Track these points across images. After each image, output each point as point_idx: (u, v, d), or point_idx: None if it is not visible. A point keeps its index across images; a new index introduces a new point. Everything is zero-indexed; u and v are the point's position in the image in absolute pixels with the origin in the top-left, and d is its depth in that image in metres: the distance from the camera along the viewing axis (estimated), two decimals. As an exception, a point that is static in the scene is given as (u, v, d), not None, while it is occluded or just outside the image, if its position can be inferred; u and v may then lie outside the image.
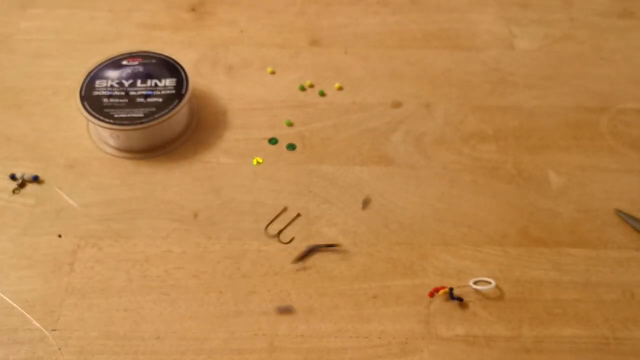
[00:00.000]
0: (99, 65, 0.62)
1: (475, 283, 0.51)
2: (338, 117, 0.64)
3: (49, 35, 0.72)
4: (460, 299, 0.49)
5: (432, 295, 0.50)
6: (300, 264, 0.52)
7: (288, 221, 0.55)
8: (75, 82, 0.61)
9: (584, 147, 0.61)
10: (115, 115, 0.58)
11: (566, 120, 0.64)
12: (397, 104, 0.65)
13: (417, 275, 0.52)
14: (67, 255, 0.52)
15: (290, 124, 0.63)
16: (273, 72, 0.68)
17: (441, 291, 0.50)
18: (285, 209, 0.56)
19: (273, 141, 0.61)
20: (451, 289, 0.49)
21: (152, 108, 0.58)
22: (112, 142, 0.60)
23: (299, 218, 0.55)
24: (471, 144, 0.61)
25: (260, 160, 0.60)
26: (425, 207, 0.56)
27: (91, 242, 0.53)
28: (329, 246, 0.53)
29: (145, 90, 0.60)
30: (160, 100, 0.59)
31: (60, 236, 0.54)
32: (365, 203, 0.56)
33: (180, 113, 0.59)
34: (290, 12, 0.75)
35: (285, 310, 0.49)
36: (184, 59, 0.65)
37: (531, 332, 0.48)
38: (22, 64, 0.68)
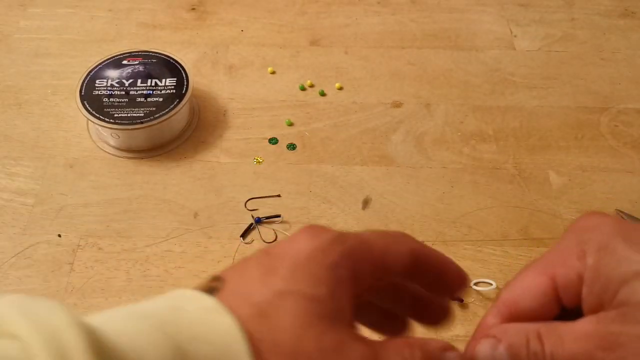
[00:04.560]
0: (99, 64, 0.62)
1: (475, 284, 0.51)
2: (338, 117, 0.64)
3: (49, 34, 0.72)
4: (460, 300, 0.49)
5: None
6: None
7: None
8: (75, 82, 0.61)
9: (584, 147, 0.61)
10: (116, 115, 0.58)
11: (567, 121, 0.63)
12: (397, 104, 0.65)
13: (417, 275, 0.51)
14: (67, 254, 0.52)
15: (290, 124, 0.63)
16: (273, 72, 0.68)
17: None
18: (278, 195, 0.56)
19: (273, 141, 0.61)
20: None
21: (152, 107, 0.58)
22: (112, 141, 0.60)
23: (299, 217, 0.55)
24: (471, 144, 0.61)
25: (261, 160, 0.60)
26: (426, 206, 0.56)
27: (91, 242, 0.53)
28: (274, 217, 0.55)
29: (146, 89, 0.60)
30: (161, 99, 0.59)
31: (60, 236, 0.53)
32: (366, 203, 0.56)
33: (180, 112, 0.59)
34: (291, 12, 0.75)
35: None
36: (184, 58, 0.65)
37: (531, 333, 0.48)
38: (22, 63, 0.68)
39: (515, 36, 0.72)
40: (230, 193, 0.57)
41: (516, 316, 0.27)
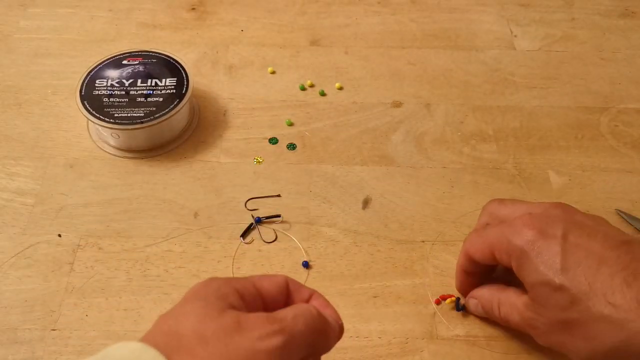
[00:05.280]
0: (99, 64, 0.62)
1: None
2: (338, 116, 0.64)
3: (49, 34, 0.72)
4: (461, 308, 0.49)
5: (438, 302, 0.49)
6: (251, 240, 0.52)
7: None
8: (75, 82, 0.61)
9: (584, 147, 0.61)
10: (116, 115, 0.58)
11: (567, 120, 0.63)
12: (397, 104, 0.65)
13: (417, 274, 0.52)
14: (67, 254, 0.52)
15: (290, 124, 0.63)
16: (273, 72, 0.68)
17: (448, 300, 0.49)
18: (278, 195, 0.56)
19: (273, 141, 0.61)
20: (458, 299, 0.49)
21: (152, 107, 0.58)
22: (112, 141, 0.60)
23: (299, 217, 0.55)
24: (471, 144, 0.61)
25: (261, 160, 0.60)
26: (426, 206, 0.56)
27: (91, 242, 0.53)
28: (274, 217, 0.55)
29: (146, 89, 0.60)
30: (161, 99, 0.59)
31: (60, 235, 0.53)
32: (366, 203, 0.56)
33: (180, 112, 0.59)
34: (291, 12, 0.75)
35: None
36: (184, 58, 0.65)
37: (532, 332, 0.48)
38: (22, 63, 0.68)
39: (515, 36, 0.72)
40: (231, 193, 0.57)
41: (472, 261, 0.45)
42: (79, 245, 0.53)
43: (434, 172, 0.59)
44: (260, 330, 0.30)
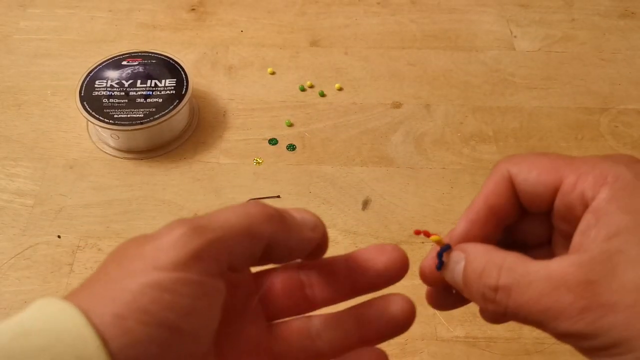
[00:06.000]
0: (99, 65, 0.62)
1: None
2: (338, 117, 0.64)
3: (49, 35, 0.71)
4: (441, 263, 0.32)
5: (418, 233, 0.32)
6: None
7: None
8: (75, 82, 0.61)
9: (584, 147, 0.61)
10: (115, 116, 0.58)
11: (567, 121, 0.63)
12: (397, 105, 0.65)
13: (417, 276, 0.51)
14: (67, 255, 0.52)
15: (290, 125, 0.63)
16: (273, 73, 0.68)
17: (433, 237, 0.32)
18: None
19: (273, 142, 0.61)
20: (447, 247, 0.31)
21: (152, 108, 0.58)
22: (111, 142, 0.60)
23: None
24: (471, 145, 0.61)
25: (260, 161, 0.60)
26: (426, 207, 0.56)
27: (91, 243, 0.53)
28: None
29: (145, 90, 0.60)
30: (160, 100, 0.59)
31: (59, 237, 0.53)
32: (366, 203, 0.56)
33: (180, 113, 0.59)
34: (291, 12, 0.75)
35: None
36: (184, 59, 0.65)
37: (531, 334, 0.48)
38: (21, 64, 0.68)
39: (515, 37, 0.72)
40: (230, 194, 0.57)
41: (511, 190, 0.28)
42: (78, 247, 0.53)
43: (434, 173, 0.59)
44: (165, 230, 0.25)
